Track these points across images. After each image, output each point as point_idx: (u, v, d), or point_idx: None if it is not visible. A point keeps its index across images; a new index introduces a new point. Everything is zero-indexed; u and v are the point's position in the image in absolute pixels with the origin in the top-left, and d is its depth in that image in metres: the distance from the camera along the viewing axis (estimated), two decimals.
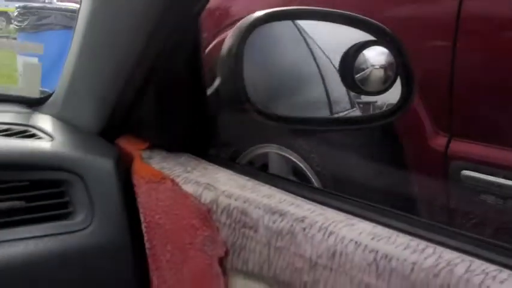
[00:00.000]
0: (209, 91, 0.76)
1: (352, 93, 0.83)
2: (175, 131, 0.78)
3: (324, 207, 0.57)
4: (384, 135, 1.23)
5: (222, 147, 0.78)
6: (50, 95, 0.95)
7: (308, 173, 1.25)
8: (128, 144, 0.79)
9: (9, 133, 0.78)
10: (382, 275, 0.47)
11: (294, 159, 1.27)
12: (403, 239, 0.49)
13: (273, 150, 0.76)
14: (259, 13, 0.77)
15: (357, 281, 0.49)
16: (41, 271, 0.64)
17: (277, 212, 0.57)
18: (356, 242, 0.50)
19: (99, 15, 0.77)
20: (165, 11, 0.68)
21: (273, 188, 0.63)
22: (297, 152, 1.19)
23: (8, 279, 0.62)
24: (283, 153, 0.79)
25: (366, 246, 0.49)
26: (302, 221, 0.55)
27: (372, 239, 0.50)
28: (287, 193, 0.62)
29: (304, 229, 0.54)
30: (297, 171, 1.37)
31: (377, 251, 0.48)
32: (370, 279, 0.48)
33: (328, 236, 0.52)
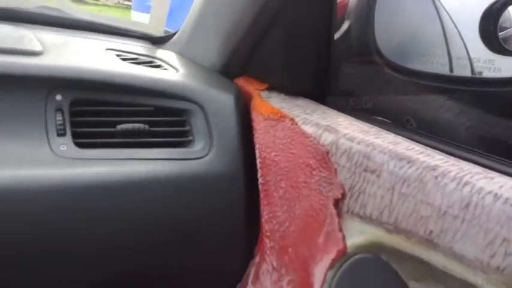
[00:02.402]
0: (336, 36, 0.74)
1: (472, 56, 0.76)
2: (296, 75, 0.77)
3: (457, 159, 0.53)
4: None
5: (342, 96, 0.76)
6: (173, 34, 0.97)
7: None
8: (247, 84, 0.79)
9: (137, 61, 0.81)
10: None
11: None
12: None
13: (393, 104, 0.73)
14: None
15: (493, 234, 0.45)
16: (160, 190, 0.66)
17: (405, 158, 0.54)
18: (496, 195, 0.46)
19: None
20: None
21: (398, 136, 0.60)
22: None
23: (130, 193, 0.65)
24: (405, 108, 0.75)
25: (506, 199, 0.45)
26: (434, 169, 0.51)
27: None
28: (415, 142, 0.58)
29: (436, 177, 0.51)
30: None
31: None
32: (509, 234, 0.44)
33: (463, 186, 0.48)
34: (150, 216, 0.66)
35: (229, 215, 0.69)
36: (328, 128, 0.63)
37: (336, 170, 0.60)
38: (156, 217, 0.67)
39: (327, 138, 0.62)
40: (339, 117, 0.67)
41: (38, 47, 0.73)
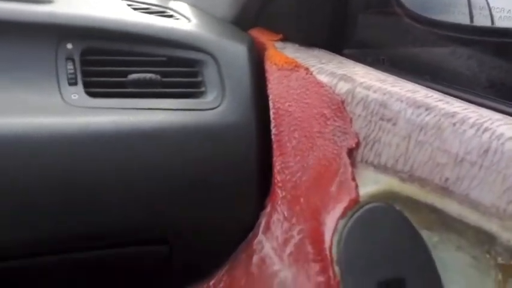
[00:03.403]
0: None
1: (493, 5, 0.73)
2: (312, 25, 0.74)
3: (477, 106, 0.52)
4: None
5: (359, 48, 0.73)
6: None
7: None
8: (260, 35, 0.77)
9: (149, 11, 0.80)
10: None
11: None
12: None
13: (413, 57, 0.70)
14: None
15: None
16: (171, 140, 0.66)
17: (423, 105, 0.53)
18: None
19: None
20: None
21: (416, 84, 0.59)
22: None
23: (141, 142, 0.65)
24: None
25: None
26: (452, 116, 0.50)
27: None
28: (434, 90, 0.57)
29: (454, 124, 0.49)
30: None
31: None
32: None
33: (483, 133, 0.47)
34: (162, 166, 0.66)
35: (241, 166, 0.68)
36: (344, 77, 0.62)
37: (351, 119, 0.59)
38: (168, 167, 0.66)
39: (342, 87, 0.61)
40: (356, 67, 0.65)
41: None
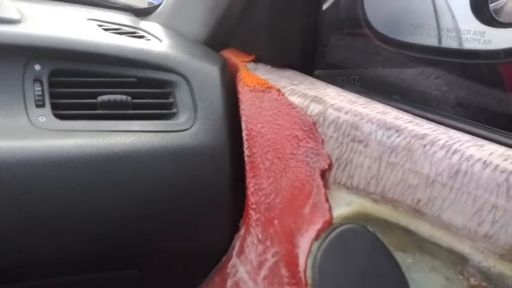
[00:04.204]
0: (324, 6, 0.72)
1: (462, 28, 0.74)
2: (283, 46, 0.75)
3: (447, 128, 0.53)
4: None
5: (330, 69, 0.74)
6: (157, 6, 0.95)
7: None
8: (232, 56, 0.77)
9: (120, 32, 0.79)
10: None
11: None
12: None
13: (381, 78, 0.71)
14: None
15: (482, 201, 0.44)
16: (141, 163, 0.65)
17: (394, 127, 0.53)
18: (485, 162, 0.45)
19: None
20: None
21: (387, 106, 0.59)
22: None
23: (111, 166, 0.63)
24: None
25: (496, 166, 0.44)
26: (422, 138, 0.50)
27: (505, 160, 0.45)
28: (403, 112, 0.57)
29: (424, 146, 0.50)
30: None
31: (510, 172, 0.43)
32: (498, 201, 0.43)
33: (452, 154, 0.47)
34: (132, 189, 0.65)
35: (214, 188, 0.68)
36: (315, 99, 0.62)
37: (323, 140, 0.59)
38: (139, 190, 0.65)
39: (314, 108, 0.61)
40: (327, 88, 0.66)
41: (15, 15, 0.70)
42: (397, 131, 0.53)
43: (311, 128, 0.60)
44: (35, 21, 0.72)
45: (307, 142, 0.60)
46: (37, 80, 0.65)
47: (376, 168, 0.53)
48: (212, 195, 0.67)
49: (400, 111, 0.57)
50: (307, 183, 0.59)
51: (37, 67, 0.66)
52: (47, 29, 0.71)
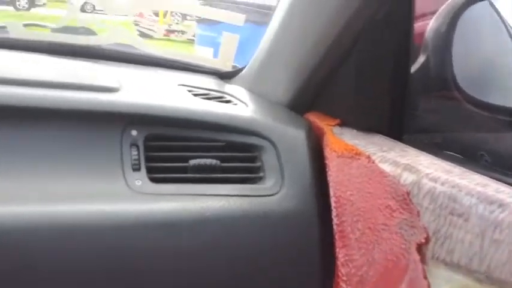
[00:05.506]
0: (412, 69, 0.72)
1: None
2: (370, 110, 0.75)
3: None
4: None
5: (419, 133, 0.73)
6: (241, 69, 0.98)
7: None
8: (317, 119, 0.78)
9: (208, 97, 0.82)
10: None
11: None
12: None
13: (468, 138, 0.69)
14: None
15: None
16: (229, 228, 0.65)
17: (496, 202, 0.51)
18: None
19: None
20: None
21: (484, 177, 0.57)
22: None
23: (201, 230, 0.64)
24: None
25: None
26: None
27: None
28: (504, 184, 0.54)
29: None
30: None
31: None
32: None
33: None
34: (220, 253, 0.65)
35: (301, 256, 0.67)
36: (408, 167, 0.60)
37: (418, 212, 0.57)
38: (226, 254, 0.65)
39: (407, 177, 0.59)
40: (419, 156, 0.64)
41: (114, 84, 0.75)
42: (500, 205, 0.50)
43: (405, 198, 0.58)
44: (131, 89, 0.77)
45: (401, 213, 0.58)
46: (134, 144, 0.69)
47: (478, 245, 0.50)
48: (300, 264, 0.66)
49: (500, 183, 0.55)
50: (402, 257, 0.57)
51: (133, 132, 0.69)
52: (143, 96, 0.75)
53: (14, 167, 0.62)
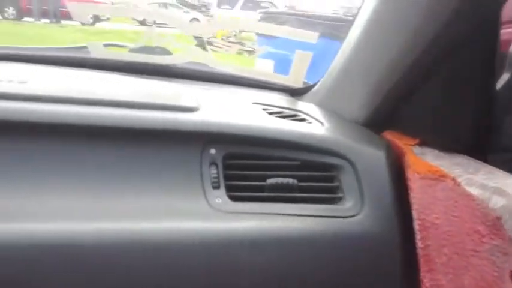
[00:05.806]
0: (497, 86, 0.69)
1: None
2: (453, 129, 0.72)
3: None
4: None
5: (505, 153, 0.70)
6: (312, 86, 0.98)
7: None
8: (396, 138, 0.76)
9: (282, 115, 0.83)
10: None
11: None
12: None
13: None
14: None
15: None
16: (309, 249, 0.65)
17: None
18: None
19: (383, 13, 0.76)
20: (462, 4, 0.63)
21: None
22: None
23: (279, 250, 0.64)
24: None
25: None
26: None
27: None
28: None
29: None
30: None
31: None
32: None
33: None
34: (299, 273, 0.65)
35: (382, 279, 0.65)
36: (497, 191, 0.58)
37: (510, 238, 0.54)
38: (305, 275, 0.65)
39: (497, 202, 0.57)
40: (508, 179, 0.61)
41: (194, 103, 0.77)
42: None
43: (495, 224, 0.56)
44: (209, 108, 0.78)
45: (491, 238, 0.56)
46: (213, 163, 0.70)
47: None
48: (381, 287, 0.65)
49: None
50: (494, 285, 0.54)
51: (212, 151, 0.71)
52: (221, 115, 0.76)
53: (100, 185, 0.65)
